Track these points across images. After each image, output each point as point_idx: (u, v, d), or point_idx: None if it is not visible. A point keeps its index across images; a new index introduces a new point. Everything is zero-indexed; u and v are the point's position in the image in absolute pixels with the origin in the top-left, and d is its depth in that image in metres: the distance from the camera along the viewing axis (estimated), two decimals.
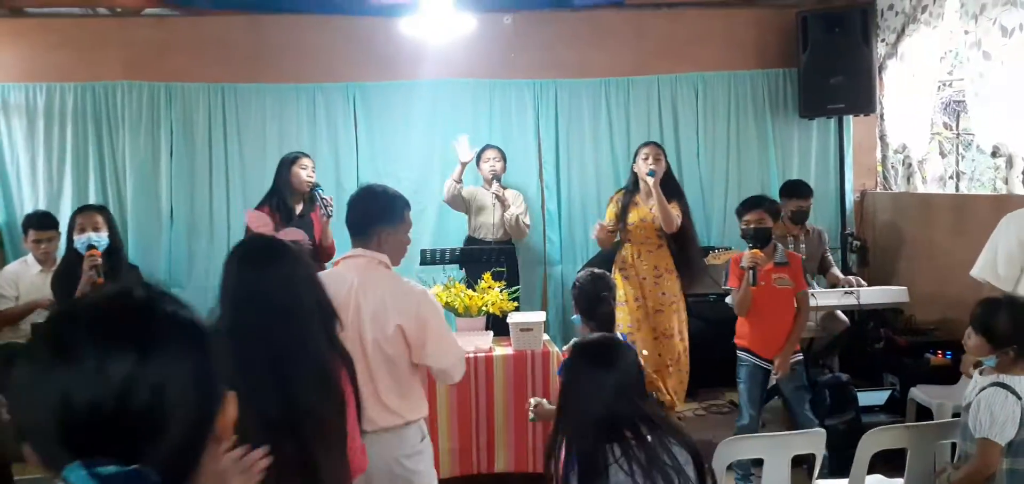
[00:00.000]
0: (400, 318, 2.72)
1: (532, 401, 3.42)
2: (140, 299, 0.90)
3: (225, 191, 5.99)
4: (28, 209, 5.55)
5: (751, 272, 4.07)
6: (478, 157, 5.66)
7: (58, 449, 0.82)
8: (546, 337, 4.49)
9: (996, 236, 3.58)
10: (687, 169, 6.32)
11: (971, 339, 2.99)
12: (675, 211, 4.89)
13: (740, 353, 4.29)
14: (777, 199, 5.92)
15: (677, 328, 5.10)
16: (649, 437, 2.06)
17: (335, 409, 1.99)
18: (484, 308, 4.43)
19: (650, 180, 4.81)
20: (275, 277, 1.99)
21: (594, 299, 3.37)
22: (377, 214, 2.83)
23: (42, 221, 4.93)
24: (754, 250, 4.09)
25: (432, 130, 6.10)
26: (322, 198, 4.92)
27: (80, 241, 4.01)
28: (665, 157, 5.03)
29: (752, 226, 4.17)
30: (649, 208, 4.92)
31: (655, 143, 5.14)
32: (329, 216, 4.88)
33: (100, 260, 3.89)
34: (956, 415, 3.61)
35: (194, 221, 5.99)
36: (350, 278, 2.78)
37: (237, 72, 6.02)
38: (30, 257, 4.84)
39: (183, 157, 5.96)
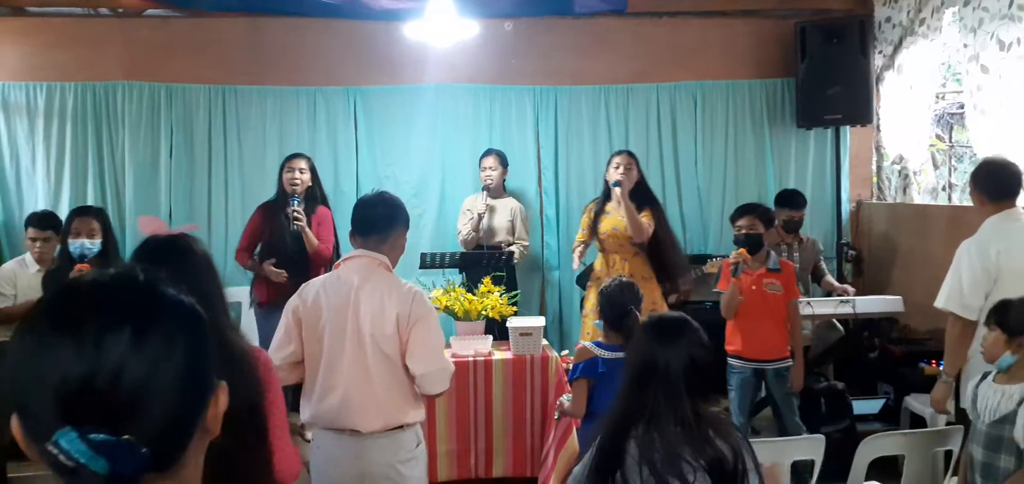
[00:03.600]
0: (396, 307, 2.77)
1: (563, 398, 3.61)
2: (141, 279, 0.91)
3: (224, 193, 6.00)
4: (27, 208, 5.55)
5: (735, 267, 4.13)
6: (480, 162, 5.73)
7: (48, 418, 0.82)
8: (545, 342, 4.51)
9: (958, 264, 3.53)
10: (685, 177, 6.37)
11: (987, 338, 3.00)
12: (645, 219, 4.84)
13: (731, 361, 4.32)
14: (773, 208, 6.00)
15: None
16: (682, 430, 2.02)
17: (252, 395, 1.95)
18: (483, 312, 4.45)
19: (617, 191, 4.80)
20: (177, 272, 1.95)
21: (622, 312, 3.35)
22: (397, 217, 2.94)
23: (42, 221, 4.93)
24: (741, 250, 4.17)
25: (433, 134, 6.13)
26: (294, 209, 4.88)
27: (74, 246, 4.02)
28: (638, 165, 4.98)
29: (743, 231, 4.26)
30: (620, 216, 4.90)
31: (627, 151, 5.09)
32: (293, 229, 4.89)
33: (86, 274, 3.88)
34: (950, 424, 3.64)
35: (193, 222, 5.98)
36: (351, 279, 2.83)
37: (238, 74, 6.04)
38: (28, 256, 4.84)
39: (183, 158, 5.97)
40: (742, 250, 4.17)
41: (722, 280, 4.34)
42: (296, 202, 4.89)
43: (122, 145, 5.90)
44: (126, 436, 0.82)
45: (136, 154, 5.90)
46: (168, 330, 0.88)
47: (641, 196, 4.91)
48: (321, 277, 3.02)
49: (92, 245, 3.99)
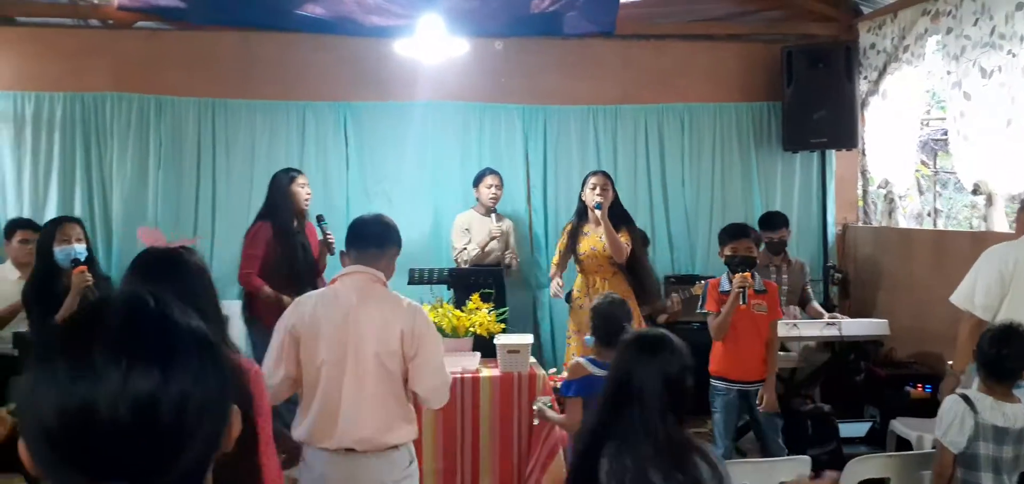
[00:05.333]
0: (400, 323, 2.78)
1: (541, 401, 3.61)
2: (156, 309, 0.88)
3: (211, 206, 5.97)
4: (12, 217, 5.49)
5: (742, 292, 4.07)
6: (477, 180, 5.75)
7: (64, 465, 0.79)
8: (533, 360, 4.51)
9: (978, 266, 3.71)
10: (673, 198, 6.41)
11: None
12: (624, 239, 4.88)
13: (715, 382, 4.28)
14: (759, 230, 6.04)
15: None
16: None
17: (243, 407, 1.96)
18: (471, 329, 4.45)
19: (598, 212, 4.82)
20: (175, 286, 1.97)
21: (616, 329, 3.34)
22: (393, 236, 2.98)
23: (28, 223, 4.94)
24: (744, 273, 4.10)
25: (423, 151, 6.14)
26: (326, 231, 5.00)
27: (62, 252, 3.96)
28: (613, 186, 5.00)
29: (740, 254, 4.21)
30: (599, 236, 4.93)
31: (603, 172, 5.10)
32: (331, 252, 4.96)
33: (91, 279, 3.86)
34: (936, 447, 3.67)
35: (179, 234, 5.91)
36: (348, 297, 2.81)
37: (228, 87, 6.02)
38: (8, 264, 4.81)
39: (171, 171, 5.94)
40: (746, 274, 4.09)
41: (709, 302, 4.30)
42: (327, 226, 5.00)
43: (110, 156, 5.87)
44: None
45: (124, 166, 5.86)
46: (192, 364, 0.85)
47: (617, 216, 4.93)
48: (316, 293, 3.01)
49: (82, 249, 3.96)
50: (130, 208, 5.84)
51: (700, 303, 4.58)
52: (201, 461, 0.86)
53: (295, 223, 4.99)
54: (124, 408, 0.79)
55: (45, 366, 0.82)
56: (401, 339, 2.77)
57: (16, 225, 4.87)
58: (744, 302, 4.09)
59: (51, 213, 5.65)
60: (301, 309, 2.85)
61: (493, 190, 5.68)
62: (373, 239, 2.93)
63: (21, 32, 5.95)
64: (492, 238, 5.57)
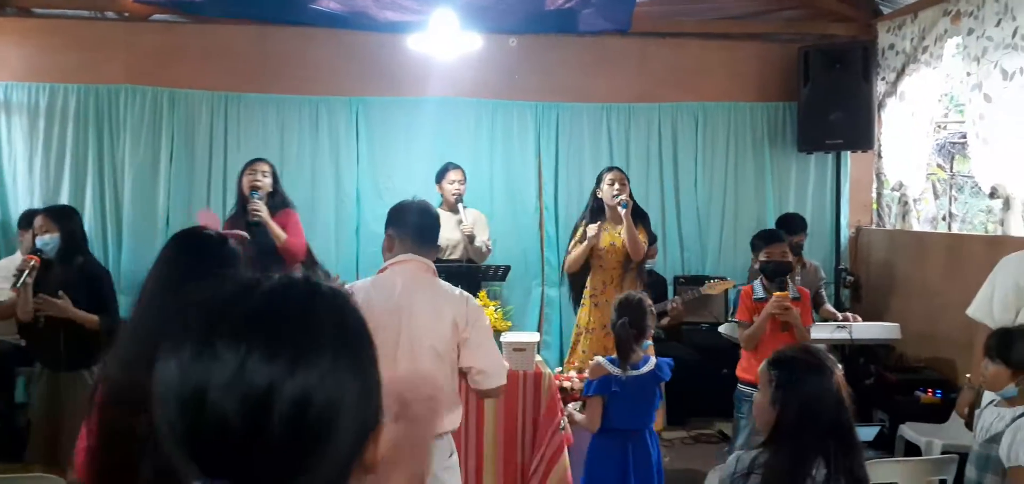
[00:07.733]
0: (453, 311, 2.79)
1: (570, 407, 3.74)
2: (301, 293, 0.80)
3: (222, 200, 5.98)
4: (24, 208, 5.52)
5: (783, 324, 3.92)
6: (440, 176, 5.49)
7: (182, 457, 0.74)
8: (539, 358, 4.48)
9: (994, 277, 3.57)
10: (685, 197, 6.36)
11: (988, 369, 2.98)
12: (642, 237, 4.83)
13: (744, 387, 4.09)
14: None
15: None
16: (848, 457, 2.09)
17: None
18: None
19: (623, 211, 4.74)
20: (191, 267, 1.87)
21: (613, 322, 3.53)
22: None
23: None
24: (782, 292, 3.92)
25: (434, 147, 6.12)
26: (253, 203, 4.62)
27: (39, 242, 4.01)
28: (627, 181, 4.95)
29: (775, 260, 4.03)
30: (617, 233, 4.88)
31: (618, 168, 5.01)
32: (252, 222, 4.55)
33: (34, 264, 3.84)
34: (945, 453, 3.62)
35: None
36: (396, 282, 2.79)
37: (241, 81, 6.04)
38: (19, 254, 4.85)
39: (183, 164, 5.97)
40: (783, 293, 3.92)
41: (742, 310, 4.15)
42: (255, 196, 4.64)
43: (122, 149, 5.90)
44: None
45: (136, 158, 5.89)
46: (327, 359, 0.77)
47: (637, 214, 4.88)
48: (367, 280, 2.95)
49: (44, 240, 3.97)
50: (141, 200, 5.87)
51: (731, 310, 4.46)
52: (333, 473, 0.77)
53: (251, 199, 4.70)
54: (236, 400, 0.72)
55: (173, 344, 0.76)
56: (454, 325, 2.79)
57: (31, 216, 4.91)
58: (783, 330, 3.93)
59: (62, 203, 5.69)
60: (354, 295, 2.82)
61: (456, 185, 5.40)
62: (431, 232, 2.91)
63: (37, 23, 6.00)
64: (471, 238, 5.25)
